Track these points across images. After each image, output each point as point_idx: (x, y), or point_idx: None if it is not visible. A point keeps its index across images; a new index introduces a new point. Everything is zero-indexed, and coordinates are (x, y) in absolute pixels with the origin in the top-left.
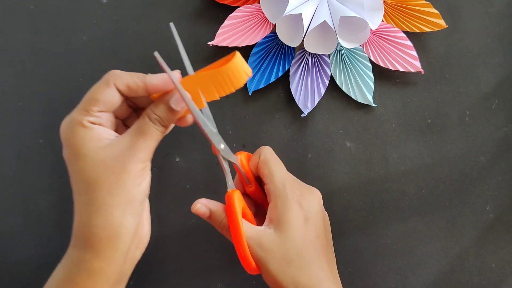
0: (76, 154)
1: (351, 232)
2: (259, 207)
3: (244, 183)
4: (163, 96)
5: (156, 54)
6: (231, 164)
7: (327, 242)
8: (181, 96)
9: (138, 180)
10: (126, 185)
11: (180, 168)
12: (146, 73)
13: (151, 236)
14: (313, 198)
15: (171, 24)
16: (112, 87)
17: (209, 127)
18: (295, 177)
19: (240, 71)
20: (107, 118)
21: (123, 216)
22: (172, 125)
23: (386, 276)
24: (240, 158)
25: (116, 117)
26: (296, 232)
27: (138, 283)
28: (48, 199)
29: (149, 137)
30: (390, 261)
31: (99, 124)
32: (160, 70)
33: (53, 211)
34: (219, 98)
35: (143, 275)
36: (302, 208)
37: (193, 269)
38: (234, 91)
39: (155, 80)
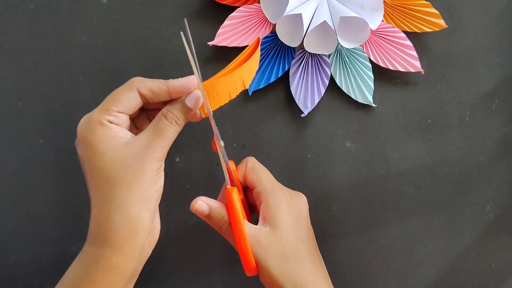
0: (94, 151)
1: (351, 232)
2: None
3: None
4: (178, 97)
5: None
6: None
7: (315, 244)
8: (202, 92)
9: (154, 178)
10: (144, 183)
11: (180, 168)
12: (146, 72)
13: None
14: (300, 200)
15: (185, 20)
16: (135, 90)
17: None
18: (281, 184)
19: (259, 56)
20: (125, 120)
21: (140, 213)
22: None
23: (386, 276)
24: (232, 166)
25: (131, 120)
26: (290, 230)
27: (138, 283)
28: (48, 199)
29: (165, 136)
30: (390, 261)
31: (117, 124)
32: (160, 74)
33: (53, 211)
34: (247, 87)
35: (143, 275)
36: (291, 209)
37: (193, 269)
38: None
39: (177, 84)
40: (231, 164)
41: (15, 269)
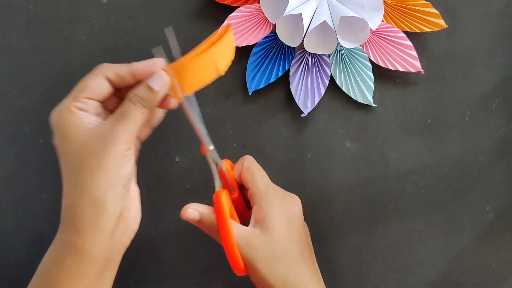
0: (63, 138)
1: (351, 232)
2: (241, 216)
3: (228, 190)
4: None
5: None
6: (216, 167)
7: (309, 246)
8: (164, 78)
9: (121, 163)
10: (107, 167)
11: (180, 168)
12: None
13: (151, 236)
14: (294, 202)
15: (170, 28)
16: (100, 76)
17: (200, 126)
18: (276, 185)
19: (233, 40)
20: (94, 106)
21: (104, 197)
22: (160, 116)
23: (386, 276)
24: (225, 165)
25: (106, 108)
26: (281, 232)
27: (138, 283)
28: (48, 199)
29: (129, 118)
30: (390, 261)
31: (85, 111)
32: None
33: (53, 211)
34: (224, 73)
35: (143, 275)
36: (284, 211)
37: (193, 269)
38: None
39: (140, 66)
40: (227, 162)
41: (15, 269)
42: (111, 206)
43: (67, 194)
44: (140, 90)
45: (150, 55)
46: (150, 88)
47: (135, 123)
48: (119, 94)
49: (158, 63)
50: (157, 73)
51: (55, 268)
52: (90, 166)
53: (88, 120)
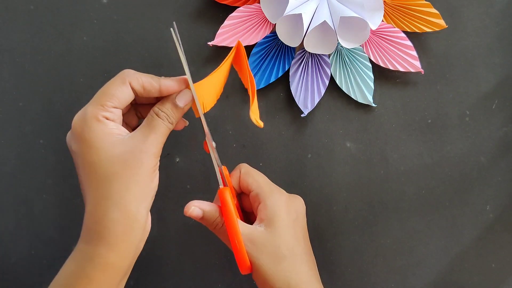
0: (91, 147)
1: (351, 232)
2: None
3: None
4: (169, 95)
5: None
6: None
7: (310, 245)
8: (192, 93)
9: (151, 176)
10: (141, 180)
11: (180, 168)
12: (147, 72)
13: (151, 236)
14: (298, 202)
15: (174, 24)
16: (127, 85)
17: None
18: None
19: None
20: (119, 115)
21: (137, 210)
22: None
23: (386, 276)
24: (225, 171)
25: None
26: (286, 230)
27: (138, 283)
28: (48, 199)
29: (159, 132)
30: (390, 261)
31: (112, 120)
32: (160, 74)
33: (53, 211)
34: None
35: (143, 275)
36: (289, 210)
37: (193, 269)
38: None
39: (169, 83)
40: (224, 169)
41: (16, 269)
42: (141, 219)
43: (96, 205)
44: (166, 107)
45: (150, 55)
46: (175, 105)
47: (163, 137)
48: (134, 102)
49: (185, 81)
50: (183, 92)
51: (83, 282)
52: (125, 179)
53: (116, 131)
